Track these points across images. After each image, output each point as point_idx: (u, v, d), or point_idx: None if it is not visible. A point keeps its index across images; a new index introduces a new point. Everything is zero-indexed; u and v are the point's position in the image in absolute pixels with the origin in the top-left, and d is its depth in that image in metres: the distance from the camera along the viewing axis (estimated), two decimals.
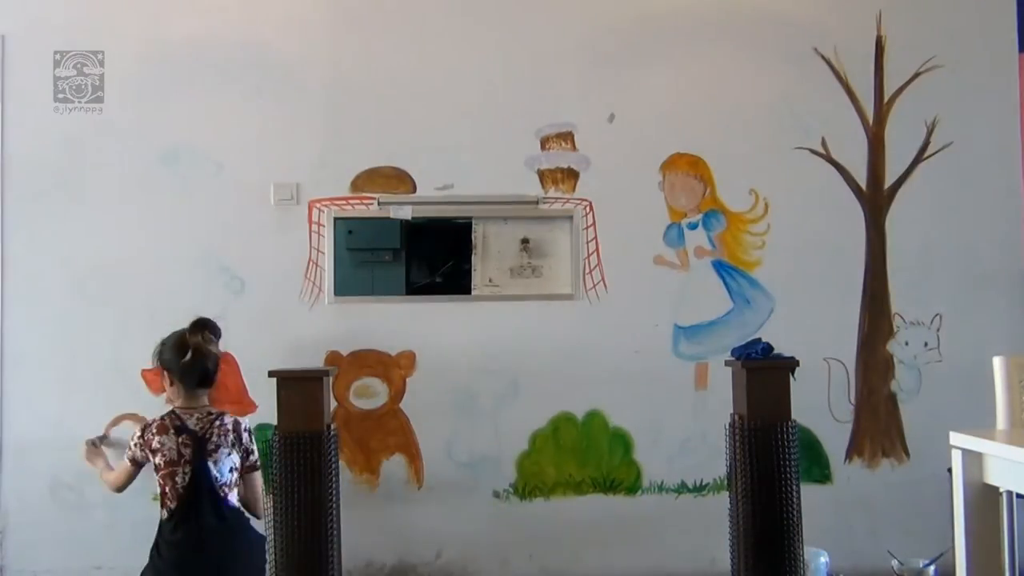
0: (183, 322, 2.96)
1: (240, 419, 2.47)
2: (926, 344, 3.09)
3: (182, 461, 2.34)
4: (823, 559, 2.73)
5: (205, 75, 2.99)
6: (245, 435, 2.44)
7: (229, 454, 2.39)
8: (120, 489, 2.52)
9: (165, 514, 2.36)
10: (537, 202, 3.04)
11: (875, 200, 3.11)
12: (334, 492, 2.48)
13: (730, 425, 2.56)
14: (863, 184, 3.11)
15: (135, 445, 2.42)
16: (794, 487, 2.41)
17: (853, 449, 3.06)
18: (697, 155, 3.07)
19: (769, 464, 2.42)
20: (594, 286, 3.04)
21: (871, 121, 3.11)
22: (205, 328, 2.47)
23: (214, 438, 2.37)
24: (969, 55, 3.11)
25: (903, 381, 3.09)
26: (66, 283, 2.95)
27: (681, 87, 3.07)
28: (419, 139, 3.01)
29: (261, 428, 2.89)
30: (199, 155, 2.98)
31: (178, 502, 2.33)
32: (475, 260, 3.03)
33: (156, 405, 2.93)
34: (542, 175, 3.06)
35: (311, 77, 3.02)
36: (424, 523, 2.92)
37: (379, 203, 2.99)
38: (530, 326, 3.01)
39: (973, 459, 1.88)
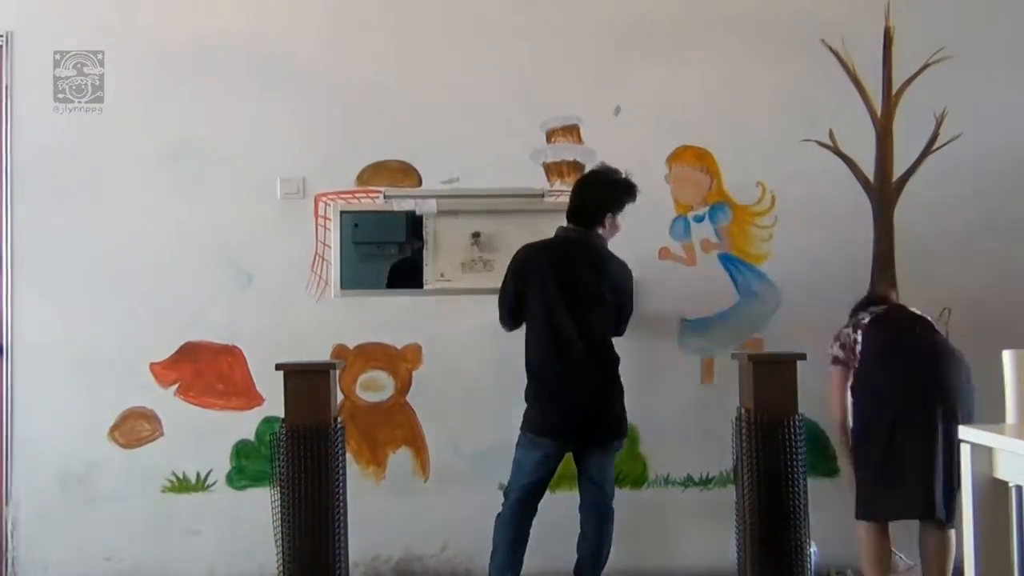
0: (190, 316, 3.00)
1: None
2: None
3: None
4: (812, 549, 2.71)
5: (208, 72, 2.99)
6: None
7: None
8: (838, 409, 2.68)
9: None
10: (543, 195, 3.03)
11: (883, 192, 3.09)
12: (341, 484, 2.49)
13: (736, 419, 2.56)
14: (871, 176, 3.09)
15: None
16: (801, 481, 2.41)
17: None
18: (703, 148, 3.05)
19: (776, 458, 2.41)
20: None
21: (879, 113, 3.09)
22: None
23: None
24: (978, 46, 3.08)
25: None
26: (75, 278, 2.96)
27: (687, 79, 3.05)
28: (425, 133, 3.01)
29: (268, 421, 2.90)
30: (204, 151, 2.99)
31: None
32: (426, 254, 3.00)
33: (165, 399, 2.96)
34: (548, 168, 3.05)
35: (316, 71, 3.02)
36: (430, 515, 2.93)
37: (385, 196, 2.99)
38: None
39: (982, 453, 1.86)
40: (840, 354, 2.64)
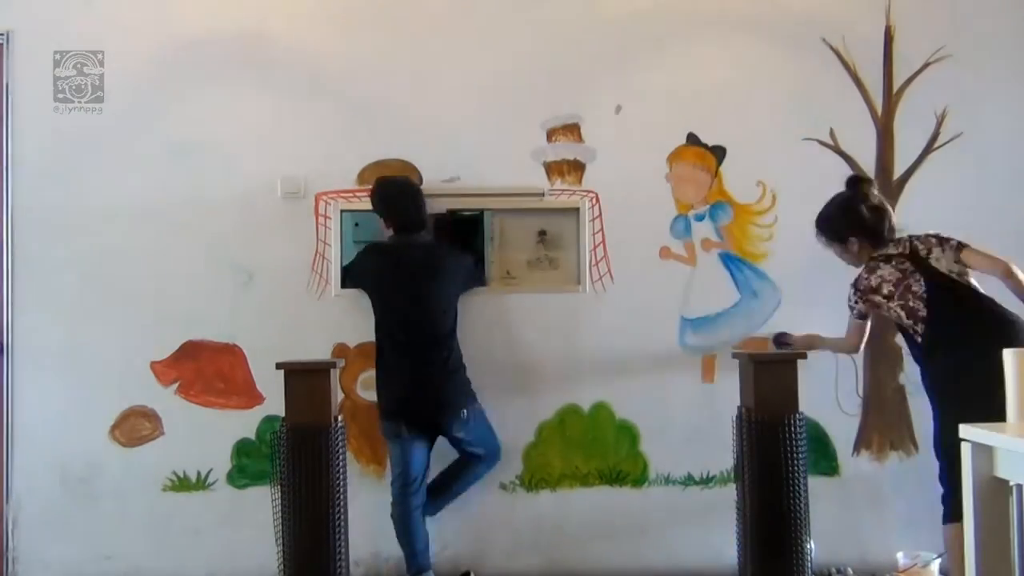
0: (190, 315, 2.99)
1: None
2: None
3: (907, 274, 2.46)
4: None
5: (209, 71, 3.00)
6: (939, 235, 2.52)
7: (943, 251, 2.47)
8: (857, 348, 2.68)
9: (919, 328, 2.41)
10: (543, 194, 3.03)
11: (884, 191, 3.08)
12: (341, 483, 2.50)
13: (737, 417, 2.56)
14: (872, 175, 3.08)
15: (854, 303, 2.56)
16: (801, 480, 2.41)
17: (861, 442, 3.05)
18: (704, 146, 3.05)
19: (776, 457, 2.41)
20: (600, 278, 3.03)
21: (880, 112, 3.09)
22: (862, 182, 2.61)
23: (922, 248, 2.49)
24: (979, 45, 3.08)
25: (912, 374, 3.06)
26: (75, 278, 2.96)
27: (688, 78, 3.05)
28: (425, 131, 3.01)
29: (269, 420, 2.90)
30: (205, 150, 2.99)
31: (927, 308, 2.40)
32: (490, 252, 3.02)
33: (165, 397, 2.96)
34: (548, 167, 3.05)
35: (317, 70, 3.02)
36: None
37: None
38: (536, 318, 3.01)
39: (983, 452, 1.86)
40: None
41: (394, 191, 2.85)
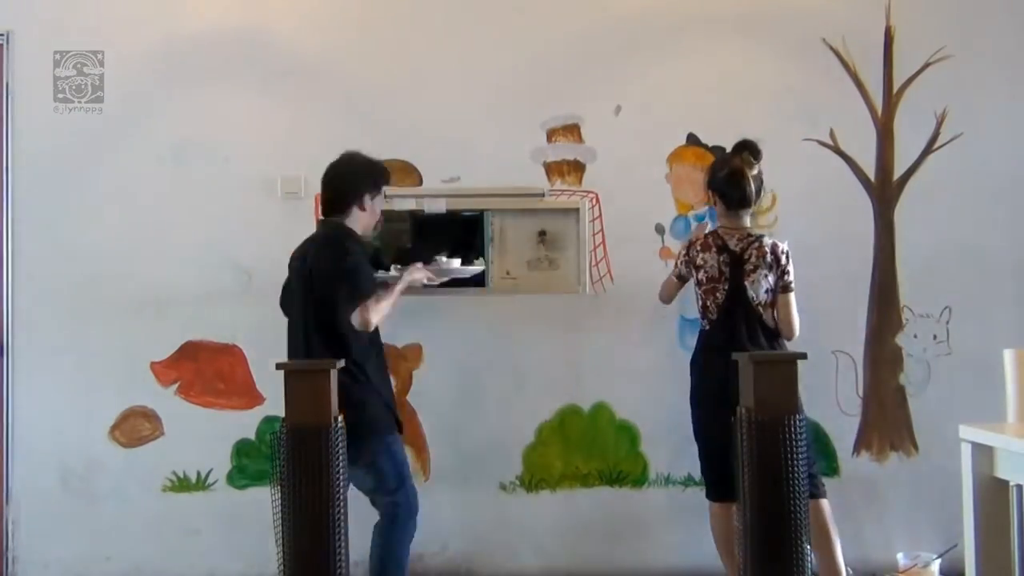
0: (190, 316, 2.99)
1: (779, 242, 2.60)
2: (935, 337, 3.07)
3: (722, 279, 2.54)
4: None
5: (209, 71, 3.00)
6: (783, 257, 2.58)
7: (766, 275, 2.54)
8: (668, 300, 2.79)
9: (705, 324, 2.61)
10: (543, 195, 3.03)
11: (884, 192, 3.09)
12: (341, 483, 2.49)
13: (736, 418, 2.55)
14: (872, 176, 3.09)
15: (681, 262, 2.67)
16: (801, 481, 2.41)
17: (861, 442, 3.06)
18: (704, 147, 3.05)
19: (776, 458, 2.41)
20: (600, 279, 3.03)
21: (880, 112, 3.09)
22: (744, 149, 2.60)
23: (752, 259, 2.53)
24: (979, 45, 3.08)
25: (912, 374, 3.07)
26: (75, 278, 2.96)
27: (688, 79, 3.05)
28: (425, 132, 3.01)
29: (269, 420, 2.91)
30: (205, 150, 2.99)
31: (717, 315, 2.55)
32: (492, 252, 3.02)
33: (165, 397, 2.96)
34: (548, 167, 3.05)
35: (317, 70, 3.02)
36: (430, 515, 2.91)
37: (385, 196, 2.99)
38: (536, 318, 3.01)
39: (983, 453, 1.87)
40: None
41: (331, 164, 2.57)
